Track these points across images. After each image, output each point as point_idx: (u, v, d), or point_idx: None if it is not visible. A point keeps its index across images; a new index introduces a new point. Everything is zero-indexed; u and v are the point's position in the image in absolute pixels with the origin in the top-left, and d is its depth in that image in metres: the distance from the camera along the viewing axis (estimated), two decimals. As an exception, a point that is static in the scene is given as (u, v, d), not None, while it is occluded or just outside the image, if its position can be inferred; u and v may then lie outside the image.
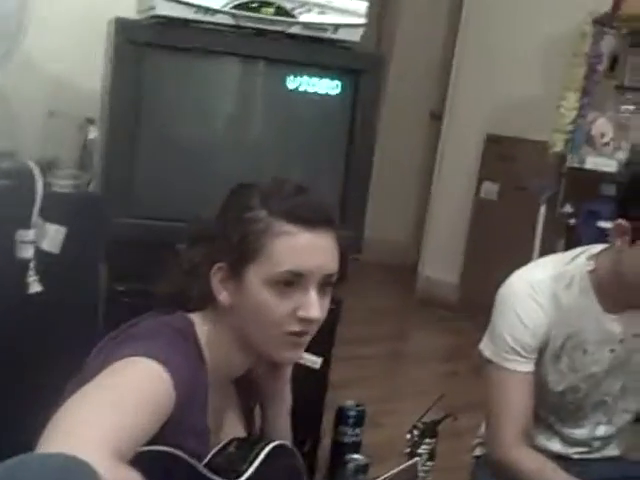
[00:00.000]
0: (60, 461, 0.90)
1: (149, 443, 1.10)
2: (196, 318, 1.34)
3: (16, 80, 1.98)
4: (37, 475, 0.89)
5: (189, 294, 1.35)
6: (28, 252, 1.70)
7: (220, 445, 1.31)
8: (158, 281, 1.38)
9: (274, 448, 1.32)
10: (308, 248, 1.28)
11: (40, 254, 1.71)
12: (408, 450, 1.67)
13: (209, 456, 1.27)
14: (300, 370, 2.01)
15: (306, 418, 2.16)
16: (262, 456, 1.29)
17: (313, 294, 1.29)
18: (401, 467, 1.51)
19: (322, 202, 1.33)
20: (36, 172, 1.72)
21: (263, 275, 1.27)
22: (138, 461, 1.04)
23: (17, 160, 1.74)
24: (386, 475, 1.44)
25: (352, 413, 2.06)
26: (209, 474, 1.21)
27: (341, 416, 2.06)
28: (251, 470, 1.27)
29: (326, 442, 2.16)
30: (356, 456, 1.84)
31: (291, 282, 1.27)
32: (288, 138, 2.15)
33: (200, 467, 1.21)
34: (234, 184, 1.36)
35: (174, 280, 1.37)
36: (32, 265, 1.70)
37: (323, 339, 2.09)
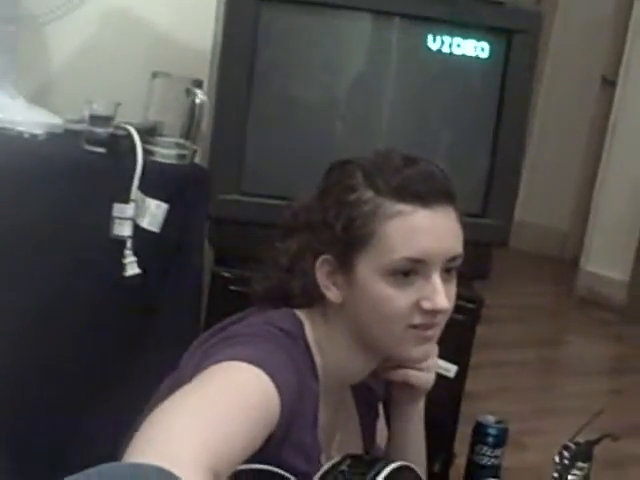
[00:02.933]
0: (152, 474, 0.89)
1: (249, 460, 1.08)
2: (305, 317, 1.32)
3: (116, 36, 2.01)
4: None
5: (291, 292, 1.34)
6: (126, 230, 1.72)
7: (331, 463, 1.28)
8: (254, 278, 1.38)
9: (395, 470, 1.28)
10: (426, 229, 1.25)
11: (138, 232, 1.73)
12: (556, 475, 1.61)
13: (318, 475, 1.25)
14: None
15: (437, 434, 2.13)
16: (380, 479, 1.25)
17: (437, 282, 1.26)
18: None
19: (437, 173, 1.29)
20: (136, 139, 1.74)
21: (377, 265, 1.24)
22: None
23: (116, 125, 1.76)
24: None
25: (492, 431, 2.00)
26: None
27: (479, 433, 2.00)
28: None
29: (460, 462, 2.12)
30: (494, 481, 1.80)
31: (410, 270, 1.24)
32: (427, 108, 2.12)
33: None
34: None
35: (272, 277, 1.36)
36: (130, 244, 1.72)
37: (459, 343, 2.08)
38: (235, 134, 1.93)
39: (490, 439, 2.00)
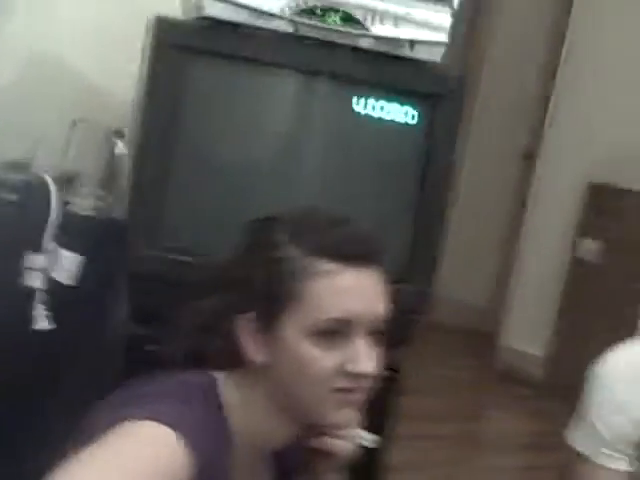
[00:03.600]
0: None
1: None
2: (222, 378, 1.30)
3: (37, 82, 2.00)
4: None
5: (207, 354, 1.31)
6: (36, 281, 1.69)
7: None
8: (166, 338, 1.36)
9: None
10: (353, 289, 1.25)
11: (51, 285, 1.70)
12: None
13: None
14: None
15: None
16: None
17: (362, 344, 1.25)
18: None
19: (365, 233, 1.29)
20: (52, 188, 1.73)
21: (301, 325, 1.23)
22: None
23: (31, 173, 1.74)
24: None
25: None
26: None
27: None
28: None
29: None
30: None
31: (336, 331, 1.24)
32: (350, 171, 2.12)
33: None
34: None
35: (188, 337, 1.34)
36: (40, 296, 1.69)
37: (380, 413, 2.06)
38: (155, 187, 1.91)
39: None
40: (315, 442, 1.37)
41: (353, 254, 1.25)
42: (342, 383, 1.25)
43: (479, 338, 4.96)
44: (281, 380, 1.27)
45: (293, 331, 1.24)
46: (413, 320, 2.18)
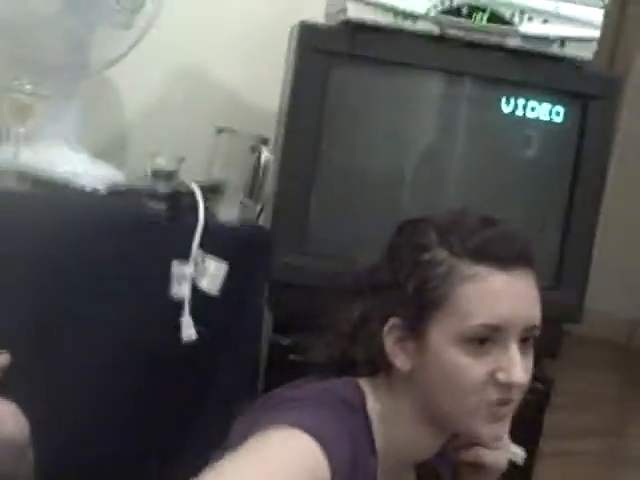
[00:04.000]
0: None
1: None
2: (367, 388, 1.27)
3: (183, 93, 2.04)
4: None
5: (353, 360, 1.29)
6: (184, 290, 1.71)
7: None
8: (314, 346, 1.35)
9: None
10: (505, 293, 1.20)
11: (197, 293, 1.72)
12: None
13: None
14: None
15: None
16: None
17: (515, 353, 1.20)
18: None
19: (516, 235, 1.24)
20: (199, 197, 1.74)
21: (451, 331, 1.19)
22: None
23: (179, 182, 1.76)
24: None
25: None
26: None
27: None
28: None
29: None
30: None
31: (487, 337, 1.19)
32: (496, 172, 2.08)
33: None
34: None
35: (333, 345, 1.32)
36: (187, 305, 1.71)
37: (527, 427, 2.00)
38: (300, 195, 1.92)
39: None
40: (466, 454, 1.33)
41: (503, 256, 1.20)
42: (493, 395, 1.20)
43: (628, 353, 4.81)
44: (428, 389, 1.23)
45: (440, 337, 1.20)
46: (562, 331, 2.11)
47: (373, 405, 1.26)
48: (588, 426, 3.80)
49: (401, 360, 1.24)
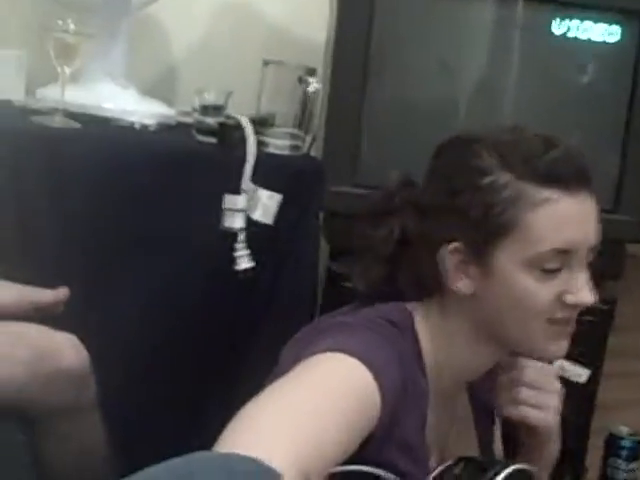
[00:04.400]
0: (247, 464, 0.84)
1: (346, 461, 1.03)
2: (416, 309, 1.27)
3: (231, 26, 2.02)
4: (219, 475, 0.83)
5: (398, 284, 1.29)
6: (237, 222, 1.70)
7: (444, 465, 1.22)
8: (354, 273, 1.34)
9: (512, 474, 1.20)
10: (574, 218, 1.19)
11: (250, 225, 1.72)
12: None
13: (430, 478, 1.19)
14: (563, 386, 1.91)
15: (566, 445, 2.05)
16: None
17: (582, 274, 1.21)
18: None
19: (578, 156, 1.22)
20: (248, 129, 1.73)
21: (520, 256, 1.19)
22: None
23: (227, 115, 1.75)
24: None
25: (626, 443, 1.93)
26: None
27: (612, 446, 1.93)
28: None
29: (591, 476, 2.04)
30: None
31: (555, 261, 1.19)
32: (550, 97, 2.04)
33: None
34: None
35: (372, 269, 1.31)
36: (242, 237, 1.71)
37: (591, 348, 2.00)
38: (350, 125, 1.90)
39: (624, 452, 1.92)
40: (511, 411, 1.34)
41: (570, 179, 1.19)
42: (559, 314, 1.21)
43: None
44: (492, 311, 1.23)
45: (510, 262, 1.19)
46: (624, 252, 2.09)
47: (422, 326, 1.26)
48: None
49: (463, 284, 1.23)
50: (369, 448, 1.07)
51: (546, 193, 1.19)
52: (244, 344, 1.72)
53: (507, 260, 1.20)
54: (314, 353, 1.10)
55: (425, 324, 1.27)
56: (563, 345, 1.26)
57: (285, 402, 1.00)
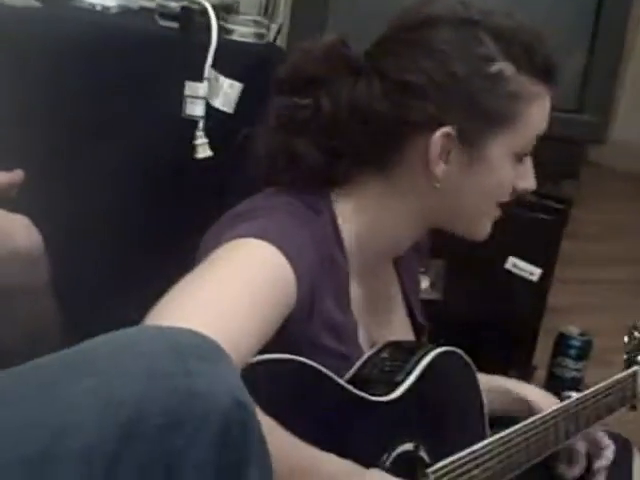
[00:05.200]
0: (193, 338, 0.85)
1: (279, 343, 1.03)
2: (336, 186, 1.24)
3: None
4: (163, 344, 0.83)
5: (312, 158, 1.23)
6: (198, 109, 1.69)
7: (371, 351, 1.24)
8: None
9: (440, 355, 1.23)
10: (548, 111, 1.24)
11: (211, 112, 1.70)
12: (625, 357, 1.59)
13: (358, 364, 1.20)
14: (514, 284, 1.93)
15: (517, 342, 2.09)
16: (422, 366, 1.20)
17: (530, 163, 1.26)
18: (616, 377, 1.46)
19: (552, 49, 1.23)
20: (212, 15, 1.70)
21: (513, 147, 1.21)
22: (250, 375, 0.91)
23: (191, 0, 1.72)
24: (598, 386, 1.37)
25: (575, 343, 1.97)
26: (348, 387, 1.11)
27: (562, 344, 1.97)
28: (409, 381, 1.17)
29: (539, 374, 2.08)
30: (575, 394, 1.76)
31: (529, 149, 1.24)
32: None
33: (335, 378, 1.09)
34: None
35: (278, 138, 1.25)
36: (202, 125, 1.69)
37: (545, 247, 2.01)
38: (316, 14, 1.87)
39: (573, 351, 1.96)
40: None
41: (555, 75, 1.23)
42: (507, 198, 1.26)
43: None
44: (455, 193, 1.22)
45: (503, 152, 1.21)
46: (584, 152, 2.10)
47: (341, 205, 1.23)
48: (612, 255, 3.80)
49: (440, 169, 1.19)
50: (291, 328, 1.07)
51: (539, 88, 1.21)
52: (197, 230, 1.72)
53: (500, 150, 1.21)
54: (229, 239, 1.09)
55: (345, 202, 1.23)
56: (489, 226, 1.28)
57: (195, 295, 1.00)
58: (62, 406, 0.77)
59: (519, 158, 1.23)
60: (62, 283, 1.35)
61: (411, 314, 1.40)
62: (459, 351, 1.28)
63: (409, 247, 1.32)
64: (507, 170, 1.22)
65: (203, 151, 1.70)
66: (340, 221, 1.22)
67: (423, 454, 1.18)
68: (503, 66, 1.18)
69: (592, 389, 1.45)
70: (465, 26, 1.20)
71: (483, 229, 1.27)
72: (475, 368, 1.30)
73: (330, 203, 1.23)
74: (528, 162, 1.26)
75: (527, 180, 1.26)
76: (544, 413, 1.35)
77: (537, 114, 1.22)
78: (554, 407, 1.38)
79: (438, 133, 1.18)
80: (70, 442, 0.75)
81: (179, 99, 1.68)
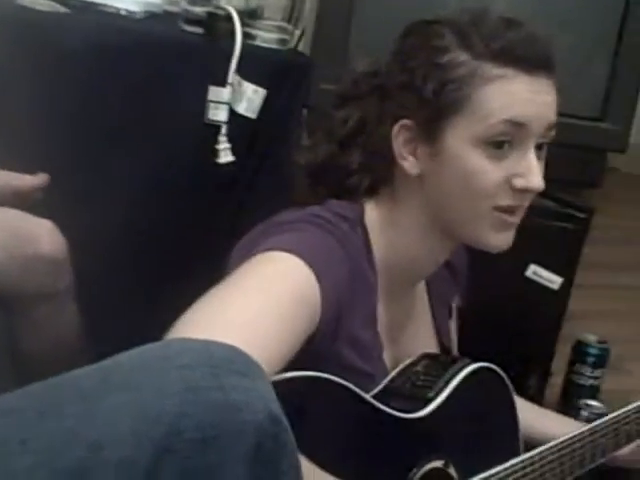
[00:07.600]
0: (227, 351, 0.85)
1: (303, 360, 1.03)
2: (366, 204, 1.25)
3: None
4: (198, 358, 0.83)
5: (347, 168, 1.26)
6: (221, 114, 1.69)
7: (405, 363, 1.24)
8: (300, 149, 1.32)
9: (476, 371, 1.23)
10: (526, 94, 1.17)
11: (234, 118, 1.70)
12: None
13: (392, 375, 1.20)
14: (534, 291, 1.92)
15: (535, 349, 2.08)
16: (458, 380, 1.20)
17: (533, 157, 1.18)
18: (635, 404, 1.40)
19: (541, 38, 1.19)
20: (236, 21, 1.69)
21: (471, 132, 1.16)
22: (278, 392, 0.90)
23: (215, 5, 1.72)
24: (617, 413, 1.35)
25: (593, 350, 1.96)
26: (377, 404, 1.10)
27: (579, 352, 1.96)
28: (441, 398, 1.17)
29: (556, 381, 2.07)
30: (592, 402, 1.76)
31: (505, 140, 1.16)
32: (546, 4, 2.00)
33: (363, 395, 1.09)
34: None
35: (321, 150, 1.28)
36: (225, 130, 1.69)
37: (565, 256, 2.00)
38: (340, 21, 1.87)
39: (590, 359, 1.95)
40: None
41: (529, 59, 1.16)
42: (506, 201, 1.19)
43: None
44: (438, 193, 1.21)
45: (459, 139, 1.17)
46: (606, 160, 2.08)
47: (372, 220, 1.24)
48: (632, 260, 3.77)
49: (410, 163, 1.21)
50: (316, 344, 1.07)
51: (500, 71, 1.16)
52: (221, 237, 1.72)
53: (457, 137, 1.17)
54: (257, 253, 1.10)
55: (375, 217, 1.24)
56: (508, 237, 1.23)
57: (224, 308, 1.00)
58: (99, 420, 0.77)
59: (488, 145, 1.17)
60: (84, 291, 1.36)
61: (438, 333, 1.39)
62: (494, 367, 1.27)
63: (440, 267, 1.31)
64: (475, 158, 1.17)
65: (225, 156, 1.70)
66: (372, 237, 1.23)
67: (452, 471, 1.18)
68: (456, 54, 1.17)
69: (635, 404, 1.40)
70: (430, 24, 1.23)
71: (488, 236, 1.22)
72: (510, 385, 1.29)
73: (362, 217, 1.23)
74: (529, 159, 1.19)
75: (527, 178, 1.19)
76: (582, 429, 1.31)
77: (497, 94, 1.16)
78: (594, 423, 1.35)
79: (396, 127, 1.20)
80: (106, 456, 0.75)
81: (202, 104, 1.67)
